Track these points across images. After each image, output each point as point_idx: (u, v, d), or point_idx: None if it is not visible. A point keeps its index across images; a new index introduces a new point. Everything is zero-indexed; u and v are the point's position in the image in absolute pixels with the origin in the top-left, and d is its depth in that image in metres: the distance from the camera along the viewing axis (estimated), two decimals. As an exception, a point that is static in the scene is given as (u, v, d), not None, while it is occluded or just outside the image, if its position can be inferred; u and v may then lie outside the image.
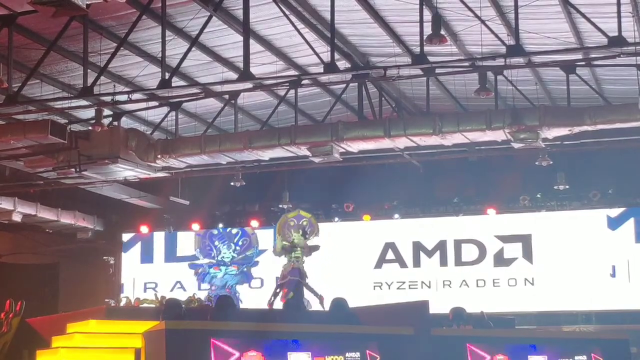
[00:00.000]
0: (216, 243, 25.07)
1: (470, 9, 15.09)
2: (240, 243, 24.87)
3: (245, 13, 15.49)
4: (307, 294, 15.17)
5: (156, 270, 25.34)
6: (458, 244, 23.40)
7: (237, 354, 9.23)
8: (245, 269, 24.74)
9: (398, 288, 23.60)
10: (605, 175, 22.27)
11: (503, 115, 17.18)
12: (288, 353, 9.51)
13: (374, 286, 23.79)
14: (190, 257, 25.23)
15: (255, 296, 23.32)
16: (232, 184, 22.21)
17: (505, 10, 15.54)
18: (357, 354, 9.80)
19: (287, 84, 17.63)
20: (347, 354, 9.77)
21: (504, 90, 19.17)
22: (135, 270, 25.49)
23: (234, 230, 25.04)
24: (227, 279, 24.76)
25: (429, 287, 23.37)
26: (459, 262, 23.36)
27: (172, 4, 15.61)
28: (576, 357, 10.86)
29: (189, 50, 16.24)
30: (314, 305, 15.58)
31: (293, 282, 14.92)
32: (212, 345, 9.19)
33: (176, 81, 17.17)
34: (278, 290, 15.04)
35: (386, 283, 23.77)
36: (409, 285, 23.58)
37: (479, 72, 17.17)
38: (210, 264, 25.00)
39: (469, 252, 23.27)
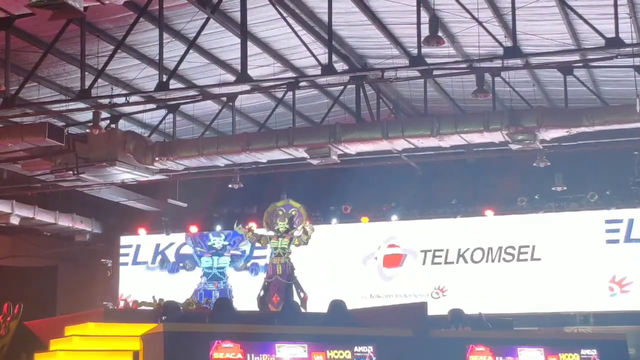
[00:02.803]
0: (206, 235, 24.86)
1: (467, 11, 15.11)
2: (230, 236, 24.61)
3: (242, 15, 15.51)
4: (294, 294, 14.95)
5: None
6: (456, 245, 23.35)
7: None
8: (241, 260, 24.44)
9: (396, 290, 23.54)
10: (603, 177, 22.25)
11: (501, 116, 17.20)
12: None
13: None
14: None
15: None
16: (230, 186, 22.19)
17: (502, 12, 15.56)
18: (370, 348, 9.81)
19: (285, 86, 17.66)
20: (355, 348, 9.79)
21: (502, 92, 19.17)
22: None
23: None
24: (221, 262, 24.40)
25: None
26: (457, 263, 23.31)
27: (169, 7, 15.63)
28: (582, 351, 10.85)
29: (186, 52, 16.25)
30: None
31: (282, 284, 14.74)
32: (210, 347, 9.18)
33: (174, 83, 17.19)
34: (266, 284, 14.88)
35: (384, 285, 23.70)
36: (408, 287, 23.51)
37: (477, 74, 17.18)
38: (201, 252, 24.76)
39: (467, 254, 23.23)
